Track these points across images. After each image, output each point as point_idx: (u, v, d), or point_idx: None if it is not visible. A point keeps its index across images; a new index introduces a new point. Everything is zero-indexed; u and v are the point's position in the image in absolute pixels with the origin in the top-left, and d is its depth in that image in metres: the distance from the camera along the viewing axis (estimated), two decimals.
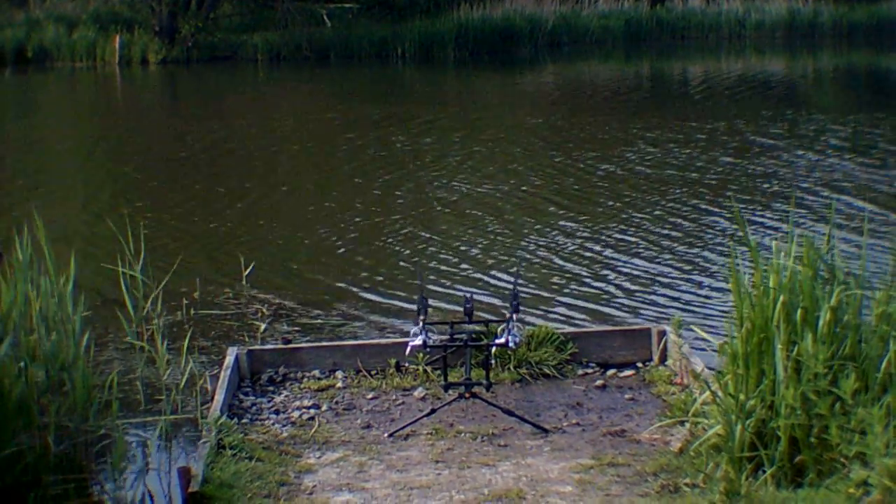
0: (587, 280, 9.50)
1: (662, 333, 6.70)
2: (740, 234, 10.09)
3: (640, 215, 11.84)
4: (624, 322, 8.13)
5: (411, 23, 32.61)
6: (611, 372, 6.65)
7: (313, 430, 5.84)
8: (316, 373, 6.68)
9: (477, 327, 6.58)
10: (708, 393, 5.20)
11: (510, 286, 6.95)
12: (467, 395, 5.93)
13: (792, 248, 5.15)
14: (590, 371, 6.68)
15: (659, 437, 5.58)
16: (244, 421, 5.98)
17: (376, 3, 33.67)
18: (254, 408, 6.20)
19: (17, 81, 29.46)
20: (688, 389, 6.03)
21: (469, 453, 5.49)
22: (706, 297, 8.89)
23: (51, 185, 15.00)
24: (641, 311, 8.53)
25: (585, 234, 11.08)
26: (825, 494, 4.49)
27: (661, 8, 36.32)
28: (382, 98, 23.94)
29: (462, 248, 10.66)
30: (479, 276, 9.65)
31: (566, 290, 9.19)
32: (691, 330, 6.45)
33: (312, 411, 6.12)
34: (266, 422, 5.99)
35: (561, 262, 10.04)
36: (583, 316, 8.46)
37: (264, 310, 8.66)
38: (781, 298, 4.97)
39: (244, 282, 9.23)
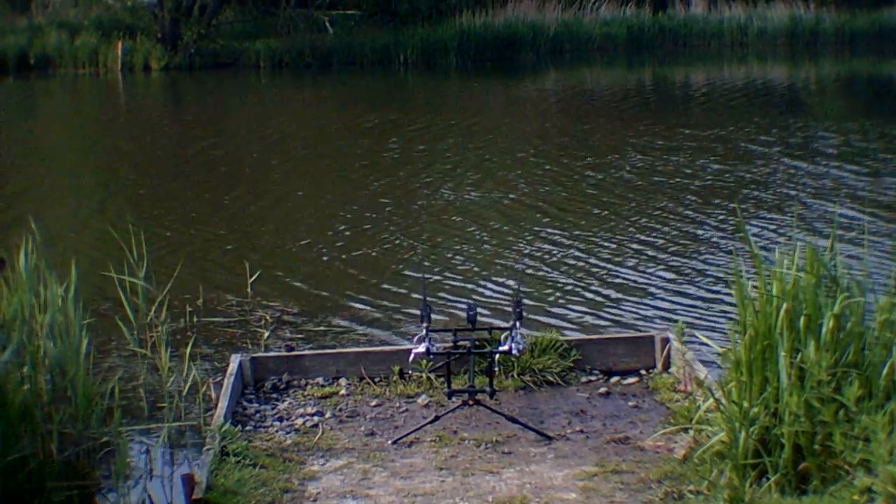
0: (590, 287, 9.50)
1: (666, 341, 6.71)
2: (743, 241, 10.17)
3: (642, 223, 11.84)
4: (628, 329, 8.14)
5: (413, 30, 32.62)
6: (614, 379, 6.65)
7: (317, 438, 5.84)
8: (319, 380, 6.68)
9: (480, 334, 6.59)
10: (711, 400, 5.20)
11: (512, 294, 6.95)
12: (471, 402, 5.93)
13: (795, 256, 5.15)
14: (593, 378, 6.68)
15: (663, 444, 5.58)
16: (248, 428, 5.98)
17: (378, 10, 33.68)
18: (257, 415, 6.20)
19: (19, 88, 29.49)
20: (691, 397, 6.03)
21: (473, 460, 5.49)
22: (709, 304, 8.89)
23: (54, 191, 15.02)
24: (645, 319, 8.53)
25: (588, 241, 11.08)
26: (829, 501, 4.49)
27: (663, 15, 36.30)
28: (384, 105, 23.95)
29: (465, 255, 10.67)
30: (481, 283, 9.65)
31: (569, 298, 9.19)
32: (695, 338, 6.46)
33: (316, 418, 6.12)
34: (270, 429, 5.99)
35: (565, 270, 10.05)
36: (587, 322, 8.46)
37: (268, 317, 8.67)
38: (785, 306, 4.98)
39: (250, 289, 9.24)
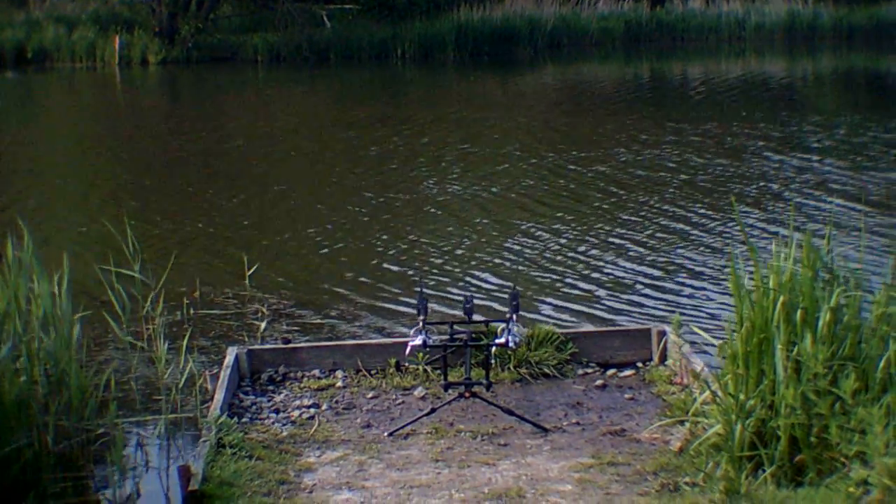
0: (587, 280, 9.50)
1: (662, 333, 6.71)
2: (739, 234, 10.16)
3: (639, 216, 11.84)
4: (624, 321, 8.14)
5: (411, 24, 32.61)
6: (611, 372, 6.65)
7: (313, 429, 5.84)
8: (316, 372, 6.68)
9: (477, 327, 6.59)
10: (708, 392, 5.20)
11: (509, 287, 6.95)
12: (467, 394, 5.93)
13: (792, 249, 5.15)
14: (590, 371, 6.68)
15: (659, 436, 5.58)
16: (244, 420, 5.98)
17: (376, 4, 33.65)
18: (254, 407, 6.20)
19: (16, 82, 29.45)
20: (688, 389, 6.03)
21: (469, 452, 5.49)
22: (706, 297, 8.89)
23: (50, 184, 14.99)
24: (641, 311, 8.53)
25: (585, 235, 11.07)
26: (825, 493, 4.50)
27: (660, 10, 36.30)
28: (381, 99, 23.94)
29: (460, 248, 10.66)
30: (478, 275, 9.64)
31: (566, 291, 9.19)
32: (692, 331, 6.46)
33: (312, 410, 6.12)
34: (266, 421, 5.99)
35: (562, 262, 10.04)
36: (583, 315, 8.46)
37: (264, 309, 8.66)
38: (781, 299, 4.98)
39: (247, 281, 9.23)
